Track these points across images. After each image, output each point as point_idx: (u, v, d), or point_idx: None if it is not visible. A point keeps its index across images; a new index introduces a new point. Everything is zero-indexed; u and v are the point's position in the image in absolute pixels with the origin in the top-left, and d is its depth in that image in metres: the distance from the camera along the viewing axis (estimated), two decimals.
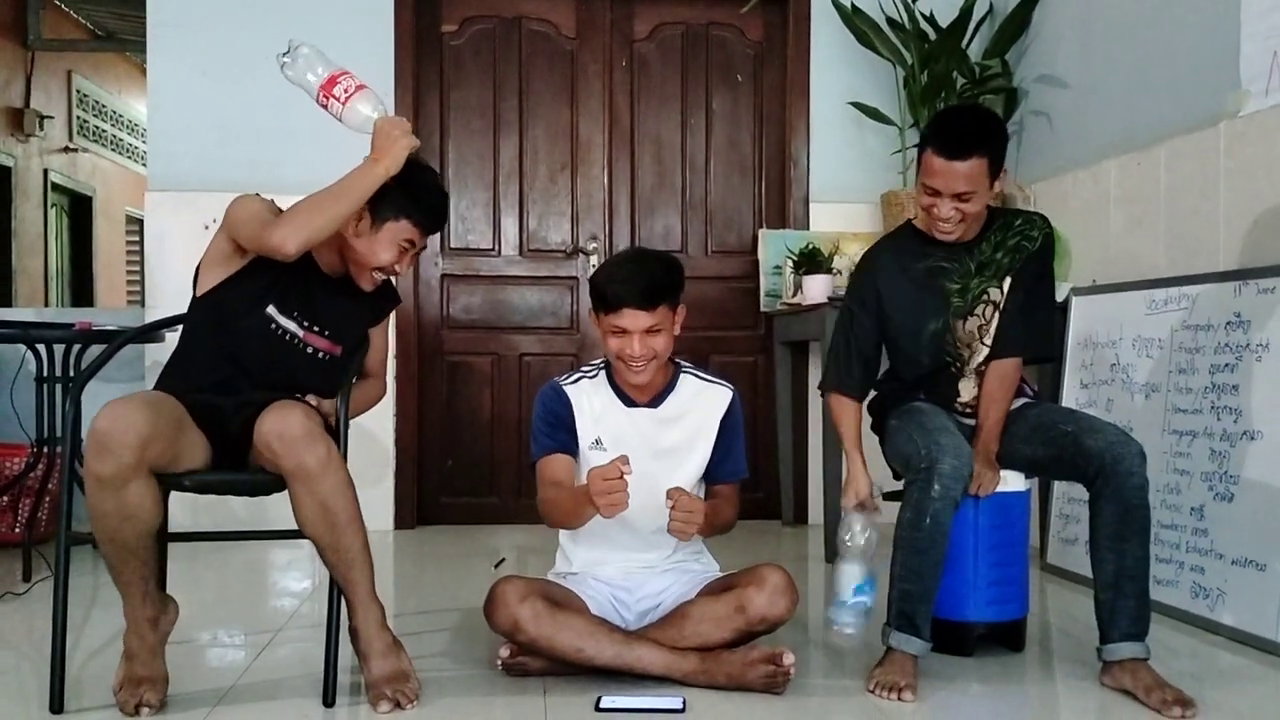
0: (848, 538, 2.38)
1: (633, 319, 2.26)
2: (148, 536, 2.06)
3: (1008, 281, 2.49)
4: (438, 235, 4.37)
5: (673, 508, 2.15)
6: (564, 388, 2.42)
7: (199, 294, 2.30)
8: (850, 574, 2.37)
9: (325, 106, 2.24)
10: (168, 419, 2.06)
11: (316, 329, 2.32)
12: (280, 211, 2.23)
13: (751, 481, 4.28)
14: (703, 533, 2.31)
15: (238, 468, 2.22)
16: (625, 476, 2.06)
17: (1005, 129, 2.48)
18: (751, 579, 2.28)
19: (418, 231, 2.31)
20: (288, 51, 2.22)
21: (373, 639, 2.17)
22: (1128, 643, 2.25)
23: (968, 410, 2.54)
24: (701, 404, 2.42)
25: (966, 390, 2.53)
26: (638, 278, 2.27)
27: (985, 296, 2.50)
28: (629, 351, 2.29)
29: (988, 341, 2.51)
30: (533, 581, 2.32)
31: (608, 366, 2.42)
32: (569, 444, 2.39)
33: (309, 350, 2.31)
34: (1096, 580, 2.30)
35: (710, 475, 2.43)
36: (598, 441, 2.38)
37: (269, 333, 2.27)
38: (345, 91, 2.21)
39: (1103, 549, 2.28)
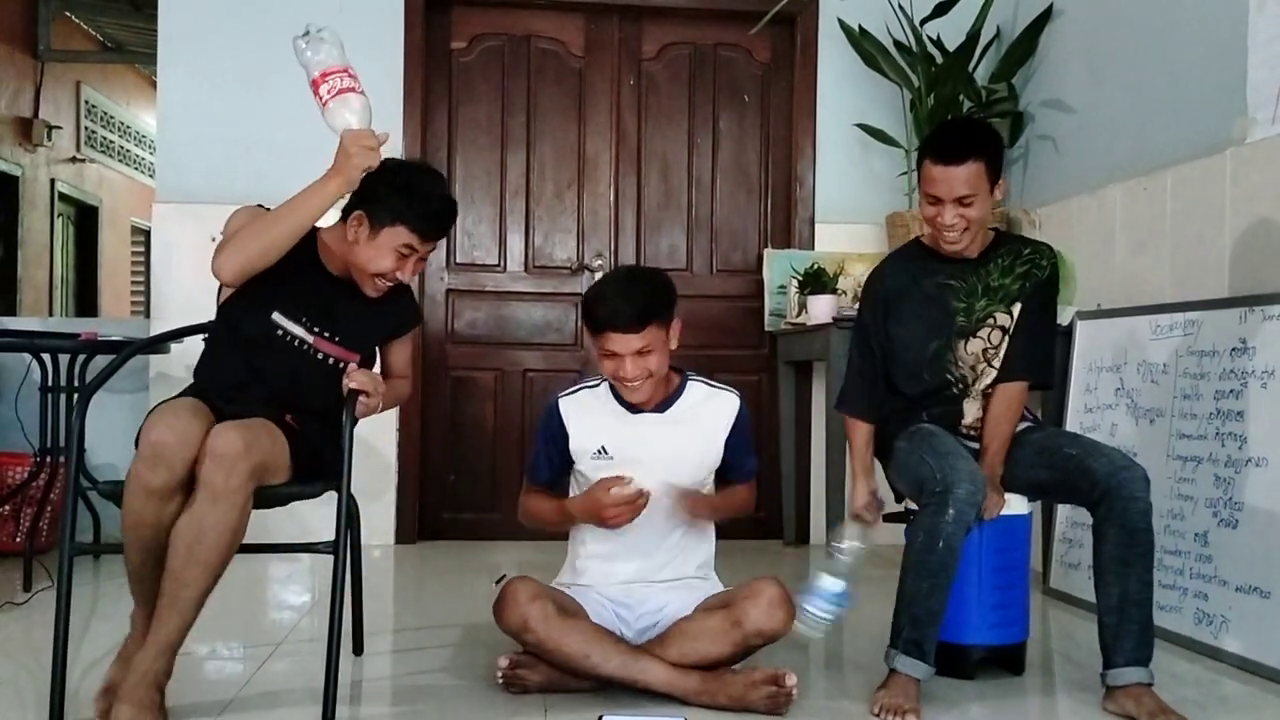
0: (836, 544, 2.34)
1: (622, 342, 2.26)
2: None
3: (1017, 307, 2.50)
4: (443, 249, 4.40)
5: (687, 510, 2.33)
6: (559, 402, 2.44)
7: (219, 302, 2.32)
8: (829, 581, 2.27)
9: (314, 96, 2.15)
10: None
11: (327, 334, 2.30)
12: None
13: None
14: (719, 515, 2.46)
15: None
16: (640, 500, 2.24)
17: (1000, 137, 2.51)
18: (747, 593, 2.28)
19: (416, 238, 2.25)
20: (306, 34, 2.14)
21: (138, 685, 1.96)
22: (1131, 668, 2.24)
23: (972, 433, 2.53)
24: (709, 410, 2.43)
25: (971, 412, 2.53)
26: (623, 302, 2.26)
27: (992, 320, 2.51)
28: (621, 373, 2.29)
29: (996, 364, 2.51)
30: (543, 585, 2.34)
31: None
32: (561, 472, 2.46)
33: (318, 356, 2.29)
34: (1100, 605, 2.30)
35: (725, 476, 2.48)
36: (602, 450, 2.38)
37: (276, 339, 2.26)
38: (330, 91, 2.12)
39: (1106, 573, 2.28)
